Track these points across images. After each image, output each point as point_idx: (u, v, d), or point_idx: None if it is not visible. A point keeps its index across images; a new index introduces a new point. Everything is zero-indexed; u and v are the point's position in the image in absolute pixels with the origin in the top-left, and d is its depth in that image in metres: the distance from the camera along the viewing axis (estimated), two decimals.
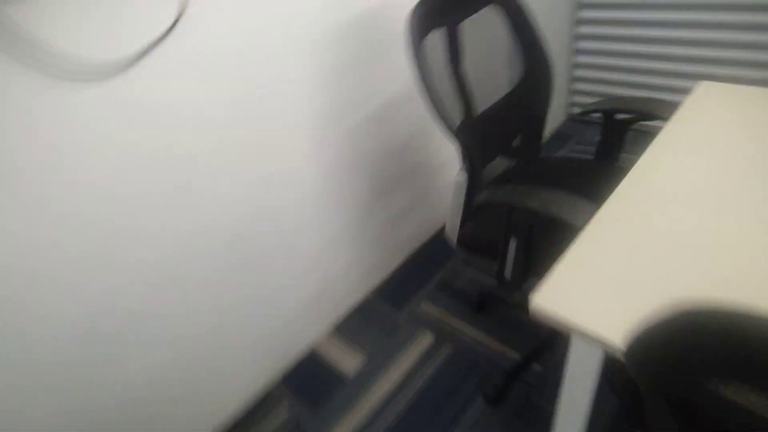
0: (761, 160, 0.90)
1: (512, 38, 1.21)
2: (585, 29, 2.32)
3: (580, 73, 2.46)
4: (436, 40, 1.10)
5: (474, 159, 1.06)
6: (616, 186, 0.85)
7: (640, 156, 0.93)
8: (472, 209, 1.10)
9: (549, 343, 1.44)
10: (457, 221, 1.14)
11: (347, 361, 1.53)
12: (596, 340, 0.64)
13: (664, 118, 1.12)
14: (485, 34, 1.20)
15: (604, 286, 0.70)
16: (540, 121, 1.30)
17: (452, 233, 1.18)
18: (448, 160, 1.89)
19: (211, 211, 1.15)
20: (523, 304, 1.50)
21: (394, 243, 1.80)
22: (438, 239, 1.97)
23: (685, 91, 2.08)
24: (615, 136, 1.24)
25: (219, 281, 1.23)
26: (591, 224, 0.80)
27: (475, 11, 1.13)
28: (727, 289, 0.66)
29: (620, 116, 1.22)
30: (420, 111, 1.65)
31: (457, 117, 1.16)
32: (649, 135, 0.98)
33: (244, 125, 1.14)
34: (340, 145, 1.41)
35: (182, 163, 1.05)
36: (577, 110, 2.56)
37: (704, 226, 0.76)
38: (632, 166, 0.92)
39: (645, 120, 1.18)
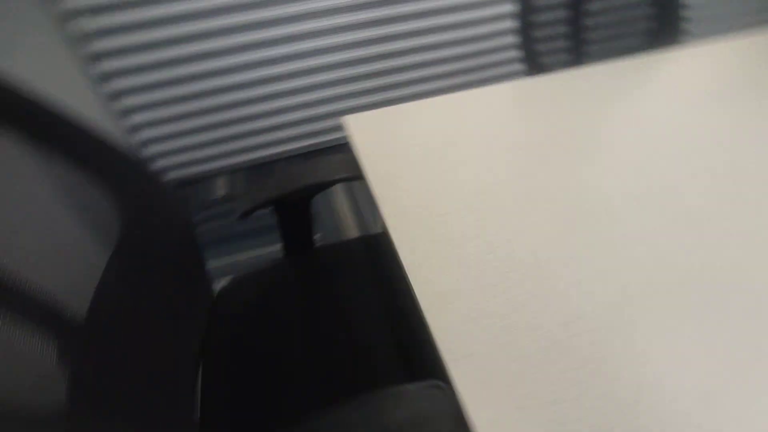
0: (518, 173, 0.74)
1: (65, 169, 0.64)
2: (127, 101, 1.84)
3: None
4: None
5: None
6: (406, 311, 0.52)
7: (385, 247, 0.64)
8: None
9: None
10: None
11: None
12: None
13: (349, 179, 0.85)
14: (17, 181, 0.59)
15: None
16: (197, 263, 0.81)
17: None
18: None
19: None
20: None
21: None
22: None
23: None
24: (301, 221, 0.90)
25: None
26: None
27: None
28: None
29: (293, 197, 0.88)
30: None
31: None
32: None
33: None
34: None
35: None
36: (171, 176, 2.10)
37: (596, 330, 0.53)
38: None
39: (322, 189, 0.88)
